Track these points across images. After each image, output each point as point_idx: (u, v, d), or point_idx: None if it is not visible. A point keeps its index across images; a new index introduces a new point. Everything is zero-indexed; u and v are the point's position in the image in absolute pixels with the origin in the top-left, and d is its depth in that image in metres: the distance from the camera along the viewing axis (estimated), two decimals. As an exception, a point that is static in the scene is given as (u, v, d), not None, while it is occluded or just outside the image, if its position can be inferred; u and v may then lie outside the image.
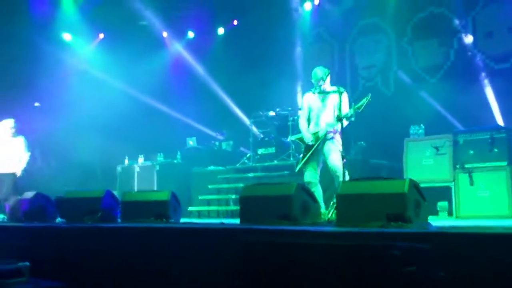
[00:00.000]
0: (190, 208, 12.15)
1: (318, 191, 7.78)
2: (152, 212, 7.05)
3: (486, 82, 11.04)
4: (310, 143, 7.94)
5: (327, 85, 8.04)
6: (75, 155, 12.69)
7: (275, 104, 12.66)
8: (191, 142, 14.23)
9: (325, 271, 3.61)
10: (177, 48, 16.12)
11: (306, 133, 8.08)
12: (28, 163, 10.98)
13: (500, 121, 10.50)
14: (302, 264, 3.75)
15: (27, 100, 14.76)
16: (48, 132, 13.55)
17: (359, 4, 13.20)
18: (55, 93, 14.65)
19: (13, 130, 11.02)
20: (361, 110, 7.41)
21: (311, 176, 7.94)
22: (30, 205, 7.92)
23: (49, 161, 13.06)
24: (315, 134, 7.95)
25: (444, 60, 11.92)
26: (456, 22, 11.66)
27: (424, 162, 9.47)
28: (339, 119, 7.50)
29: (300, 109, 8.34)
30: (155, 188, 12.78)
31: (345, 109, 7.65)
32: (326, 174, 8.04)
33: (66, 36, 15.80)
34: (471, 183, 8.89)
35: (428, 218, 5.37)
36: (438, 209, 9.17)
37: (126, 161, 14.18)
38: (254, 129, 12.78)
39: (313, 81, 8.06)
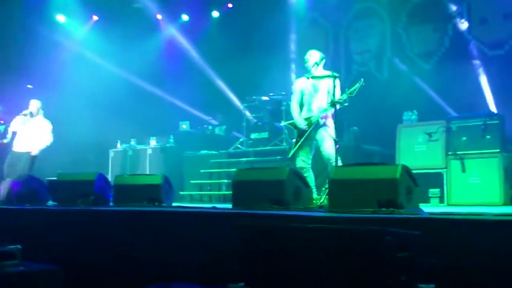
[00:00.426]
0: (182, 192, 12.16)
1: (310, 177, 7.79)
2: (144, 195, 7.05)
3: (480, 68, 11.03)
4: (303, 128, 7.93)
5: (320, 70, 8.03)
6: (67, 138, 12.62)
7: (268, 88, 12.63)
8: (184, 126, 14.20)
9: (317, 256, 3.61)
10: (171, 31, 16.00)
11: (298, 118, 8.06)
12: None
13: (493, 107, 10.50)
14: (294, 249, 3.75)
15: (20, 82, 14.67)
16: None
17: (354, -12, 13.18)
18: (48, 75, 14.58)
19: (39, 111, 11.09)
20: (354, 94, 7.40)
21: (304, 161, 7.94)
22: (22, 188, 7.89)
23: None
24: (308, 119, 7.93)
25: (438, 46, 11.91)
26: (451, 8, 11.63)
27: (417, 148, 9.46)
28: (333, 104, 7.50)
29: (293, 92, 8.29)
30: (147, 172, 12.76)
31: (338, 94, 7.65)
32: (319, 160, 8.04)
33: (60, 18, 15.68)
34: (463, 170, 8.89)
35: (420, 204, 5.38)
36: (430, 195, 9.17)
37: (119, 145, 14.14)
38: (247, 113, 12.76)
39: (307, 65, 8.04)
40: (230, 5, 15.52)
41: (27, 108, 10.93)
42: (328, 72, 7.87)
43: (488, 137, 8.78)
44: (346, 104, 7.57)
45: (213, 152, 12.84)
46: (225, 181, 11.67)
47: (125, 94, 14.50)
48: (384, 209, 4.85)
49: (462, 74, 10.97)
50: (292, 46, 14.03)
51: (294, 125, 8.16)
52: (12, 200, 7.91)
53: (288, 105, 9.26)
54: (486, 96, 10.77)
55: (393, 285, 3.32)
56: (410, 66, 12.12)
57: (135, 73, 15.00)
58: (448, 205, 8.90)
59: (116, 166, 13.80)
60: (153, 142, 13.65)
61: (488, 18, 11.24)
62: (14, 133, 10.92)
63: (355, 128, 11.28)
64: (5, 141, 11.03)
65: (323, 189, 6.99)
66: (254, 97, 12.61)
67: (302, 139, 7.92)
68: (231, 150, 12.61)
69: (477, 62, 11.06)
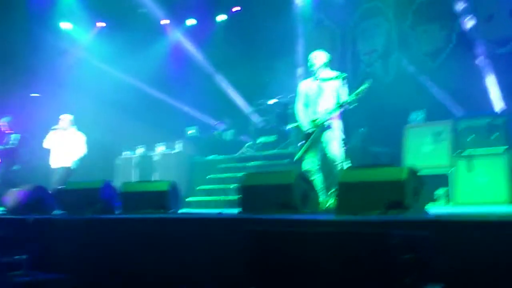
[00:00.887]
0: (189, 199, 12.12)
1: (318, 179, 7.72)
2: (151, 202, 7.03)
3: (487, 66, 10.97)
4: (309, 131, 7.87)
5: (327, 71, 7.97)
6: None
7: (275, 92, 12.60)
8: (191, 131, 14.17)
9: (325, 259, 3.62)
10: (177, 35, 16.03)
11: (304, 121, 8.01)
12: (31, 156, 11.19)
13: (501, 106, 10.44)
14: (302, 253, 3.76)
15: (26, 91, 14.73)
16: (46, 122, 13.53)
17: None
18: (54, 82, 14.63)
19: (72, 125, 11.40)
20: (361, 95, 7.36)
21: (311, 164, 7.87)
22: (28, 198, 7.90)
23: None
24: (314, 121, 7.86)
25: (445, 44, 11.84)
26: (458, 5, 11.56)
27: (424, 149, 9.42)
28: (340, 105, 7.45)
29: (297, 94, 8.25)
30: (155, 178, 12.74)
31: (346, 95, 7.60)
32: (326, 162, 7.99)
33: (65, 25, 15.72)
34: (470, 169, 8.85)
35: (427, 205, 5.35)
36: (437, 196, 9.12)
37: (126, 151, 14.13)
38: (255, 117, 12.72)
39: (313, 66, 7.97)
40: (235, 9, 15.50)
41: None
42: (335, 73, 7.82)
43: (495, 136, 8.73)
44: (355, 104, 7.52)
45: (220, 156, 12.80)
46: (233, 186, 11.64)
47: (132, 100, 14.54)
48: (391, 211, 4.82)
49: (469, 72, 10.90)
50: (299, 48, 13.98)
51: (299, 128, 8.12)
52: (19, 210, 7.92)
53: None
54: (493, 93, 10.70)
55: (401, 287, 3.31)
56: (417, 65, 12.06)
57: (141, 78, 15.03)
58: (456, 204, 8.85)
59: (123, 173, 13.77)
60: (160, 148, 13.64)
61: (494, 15, 11.17)
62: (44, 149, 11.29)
63: (362, 129, 11.23)
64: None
65: (331, 192, 6.95)
66: (261, 101, 12.59)
67: (308, 142, 7.86)
68: (238, 154, 12.56)
69: (482, 59, 10.99)
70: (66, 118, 11.33)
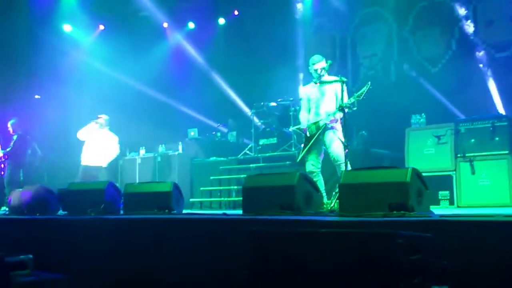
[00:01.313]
0: (192, 199, 12.15)
1: (320, 181, 7.79)
2: (154, 203, 7.05)
3: (487, 71, 11.01)
4: (311, 133, 7.94)
5: (327, 75, 8.03)
6: (76, 147, 12.67)
7: (276, 94, 12.64)
8: (193, 133, 14.21)
9: (328, 261, 3.60)
10: (178, 38, 16.06)
11: (306, 124, 8.08)
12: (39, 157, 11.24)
13: (501, 109, 10.48)
14: (305, 254, 3.75)
15: (28, 93, 14.74)
16: (49, 124, 13.56)
17: (360, -7, 13.19)
18: (55, 85, 14.64)
19: (106, 124, 11.60)
20: (361, 98, 7.39)
21: (313, 165, 7.94)
22: (32, 198, 7.92)
23: (50, 154, 13.08)
24: (316, 123, 7.94)
25: (445, 49, 11.89)
26: (458, 10, 11.61)
27: (426, 151, 9.45)
28: (341, 108, 7.49)
29: (300, 100, 8.32)
30: (157, 180, 12.77)
31: (346, 98, 7.64)
32: (328, 164, 8.04)
33: (67, 27, 15.74)
34: (472, 172, 8.88)
35: (430, 207, 5.36)
36: (440, 198, 9.16)
37: (128, 153, 14.16)
38: (256, 119, 12.76)
39: (313, 71, 8.03)
40: (236, 12, 15.53)
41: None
42: (335, 77, 7.87)
43: (496, 139, 8.77)
44: (354, 108, 7.56)
45: (222, 158, 12.84)
46: (235, 187, 11.67)
47: (133, 102, 14.55)
48: (395, 212, 4.83)
49: (469, 77, 10.95)
50: (299, 52, 14.02)
51: (302, 130, 8.17)
52: (23, 210, 7.94)
53: (296, 111, 9.29)
54: (494, 98, 10.74)
55: (408, 288, 3.32)
56: (417, 69, 12.10)
57: (143, 81, 15.04)
58: (458, 207, 8.89)
59: (125, 174, 13.82)
60: (161, 150, 13.68)
61: (494, 20, 11.22)
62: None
63: (364, 132, 11.27)
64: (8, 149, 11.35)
65: (333, 193, 6.98)
66: (262, 103, 12.63)
67: (310, 143, 7.92)
68: (240, 156, 12.61)
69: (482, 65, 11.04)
70: (103, 117, 11.55)
